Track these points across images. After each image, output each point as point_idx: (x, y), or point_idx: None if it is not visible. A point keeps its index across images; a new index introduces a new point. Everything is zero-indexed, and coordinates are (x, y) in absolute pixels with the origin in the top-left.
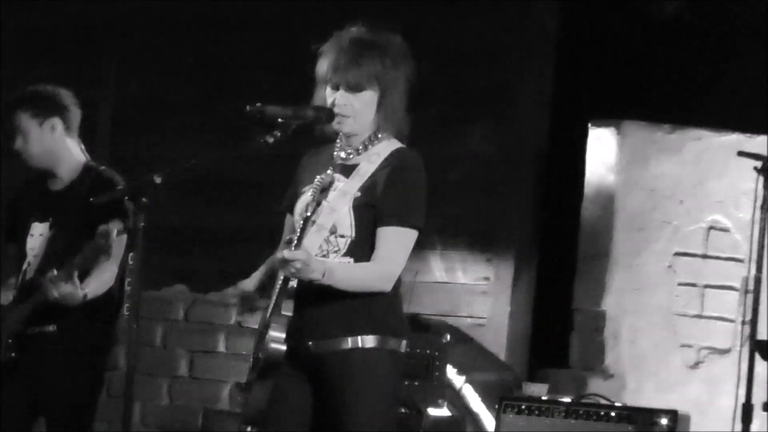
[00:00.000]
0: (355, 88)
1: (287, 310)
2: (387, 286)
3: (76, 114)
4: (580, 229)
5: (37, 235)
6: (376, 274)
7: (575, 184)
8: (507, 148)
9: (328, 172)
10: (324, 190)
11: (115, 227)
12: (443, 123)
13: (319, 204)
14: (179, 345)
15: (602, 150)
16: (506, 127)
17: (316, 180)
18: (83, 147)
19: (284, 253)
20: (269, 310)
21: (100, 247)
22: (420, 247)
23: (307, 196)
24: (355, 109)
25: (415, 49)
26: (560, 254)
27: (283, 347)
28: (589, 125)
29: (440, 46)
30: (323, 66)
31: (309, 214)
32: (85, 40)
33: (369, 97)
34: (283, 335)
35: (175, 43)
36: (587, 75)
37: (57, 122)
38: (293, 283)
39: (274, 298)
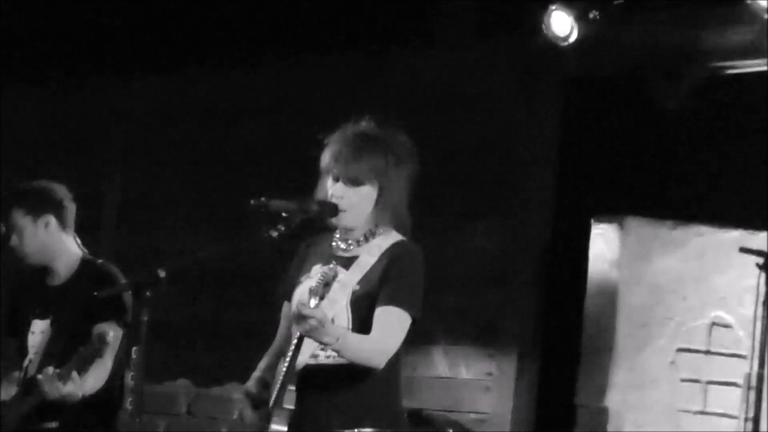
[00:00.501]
0: (354, 182)
1: (289, 402)
2: (381, 363)
3: (70, 209)
4: (583, 325)
5: (38, 332)
6: (376, 348)
7: (578, 279)
8: (510, 243)
9: (331, 266)
10: (327, 284)
11: (110, 329)
12: (447, 217)
13: (322, 298)
14: None
15: (605, 245)
16: (509, 223)
17: (319, 273)
18: (79, 241)
19: (303, 307)
20: (271, 401)
21: (96, 349)
22: (423, 342)
23: (305, 285)
24: (352, 203)
25: (420, 144)
26: (563, 349)
27: None
28: (592, 221)
29: (445, 141)
30: (326, 157)
31: (323, 282)
32: (91, 134)
33: (367, 192)
34: (285, 428)
35: (180, 136)
36: (590, 171)
37: (51, 218)
38: (299, 366)
39: (276, 388)
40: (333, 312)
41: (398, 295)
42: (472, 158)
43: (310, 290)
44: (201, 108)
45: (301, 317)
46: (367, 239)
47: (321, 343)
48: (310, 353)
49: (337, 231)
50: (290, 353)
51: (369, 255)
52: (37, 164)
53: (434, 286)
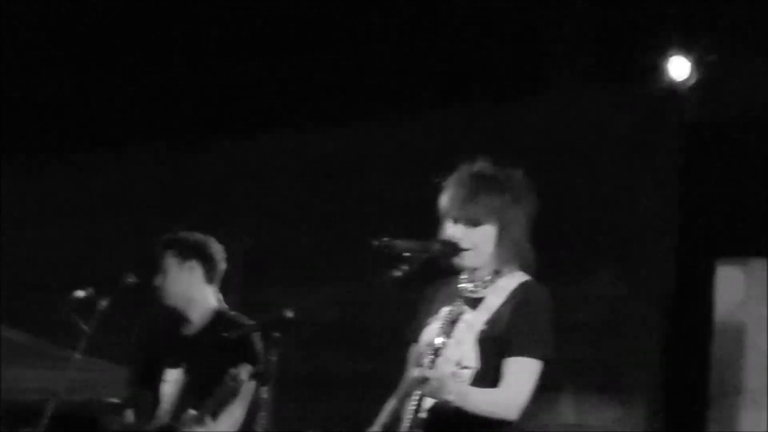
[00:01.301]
0: (473, 222)
1: None
2: (513, 415)
3: (219, 265)
4: (710, 368)
5: (172, 381)
6: (505, 401)
7: (704, 323)
8: (634, 289)
9: (456, 303)
10: (453, 322)
11: (244, 370)
12: (570, 265)
13: (448, 336)
14: None
15: (730, 288)
16: (633, 269)
17: (445, 312)
18: (221, 297)
19: (423, 370)
20: None
21: (229, 390)
22: (550, 389)
23: (433, 327)
24: (473, 243)
25: (539, 192)
26: (691, 394)
27: None
28: (716, 264)
29: (565, 189)
30: (444, 200)
31: (439, 345)
32: (216, 192)
33: (487, 232)
34: None
35: (302, 191)
36: (712, 214)
37: (196, 266)
38: (423, 415)
39: (407, 422)
40: (460, 353)
41: (529, 344)
42: (593, 205)
43: (439, 328)
44: (322, 163)
45: (420, 380)
46: (493, 280)
47: (443, 400)
48: None
49: (464, 272)
50: (410, 411)
51: (495, 296)
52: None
53: (559, 334)
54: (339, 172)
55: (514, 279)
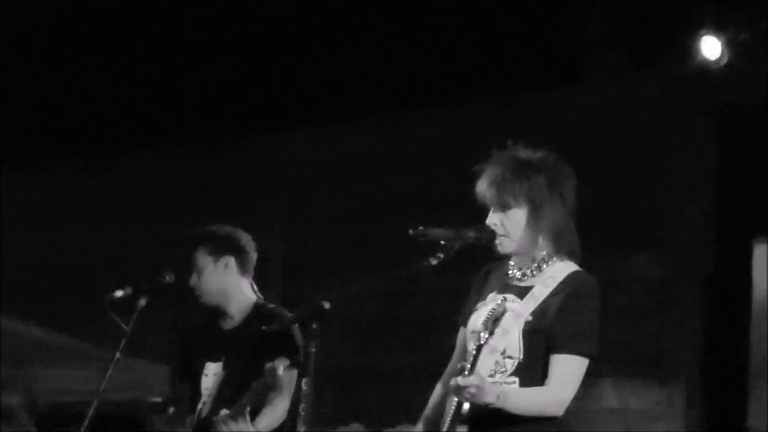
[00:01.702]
0: (502, 206)
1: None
2: (559, 412)
3: (251, 255)
4: (750, 349)
5: (211, 374)
6: (549, 399)
7: (743, 303)
8: (673, 271)
9: (500, 302)
10: (496, 320)
11: (281, 364)
12: (609, 249)
13: (492, 333)
14: None
15: None
16: (671, 251)
17: (489, 310)
18: (256, 288)
19: (458, 380)
20: None
21: (268, 384)
22: (591, 374)
23: (479, 312)
24: (505, 228)
25: (578, 178)
26: (731, 374)
27: None
28: (754, 243)
29: (602, 174)
30: (477, 186)
31: (482, 342)
32: (253, 188)
33: (518, 216)
34: None
35: (338, 185)
36: (749, 194)
37: (231, 261)
38: (466, 407)
39: (448, 421)
40: (505, 343)
41: (577, 341)
42: (631, 189)
43: (482, 323)
44: (357, 157)
45: (458, 389)
46: (540, 268)
47: (483, 404)
48: None
49: (512, 259)
50: (453, 406)
51: (544, 286)
52: (204, 220)
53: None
54: (373, 165)
55: (563, 268)
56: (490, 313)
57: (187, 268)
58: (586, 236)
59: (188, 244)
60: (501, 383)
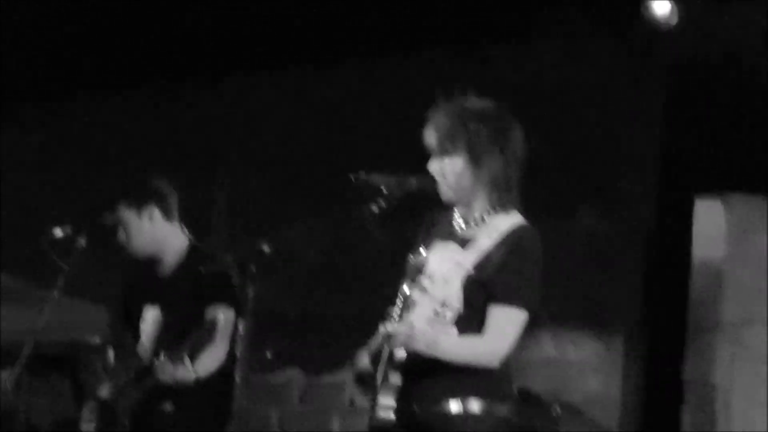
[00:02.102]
0: (444, 153)
1: (395, 379)
2: (493, 363)
3: (172, 198)
4: (689, 302)
5: (150, 319)
6: (484, 351)
7: (683, 258)
8: (615, 224)
9: (422, 253)
10: (418, 271)
11: (221, 312)
12: (552, 202)
13: (414, 282)
14: (295, 428)
15: (709, 223)
16: (614, 205)
17: (410, 260)
18: (186, 230)
19: (387, 327)
20: (379, 379)
21: (208, 332)
22: (530, 324)
23: (416, 259)
24: (444, 175)
25: (525, 131)
26: (670, 327)
27: (392, 416)
28: (696, 199)
29: (549, 128)
30: (424, 133)
31: (408, 293)
32: (195, 139)
33: (457, 165)
34: (393, 403)
35: (285, 133)
36: (693, 150)
37: (154, 210)
38: (400, 354)
39: (383, 366)
40: (445, 293)
41: (516, 293)
42: (577, 144)
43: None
44: (303, 105)
45: (387, 336)
46: (483, 219)
47: (414, 351)
48: None
49: (456, 209)
50: (386, 357)
51: (487, 238)
52: (148, 164)
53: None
54: (320, 110)
55: (506, 220)
56: (413, 264)
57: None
58: (531, 189)
59: (107, 203)
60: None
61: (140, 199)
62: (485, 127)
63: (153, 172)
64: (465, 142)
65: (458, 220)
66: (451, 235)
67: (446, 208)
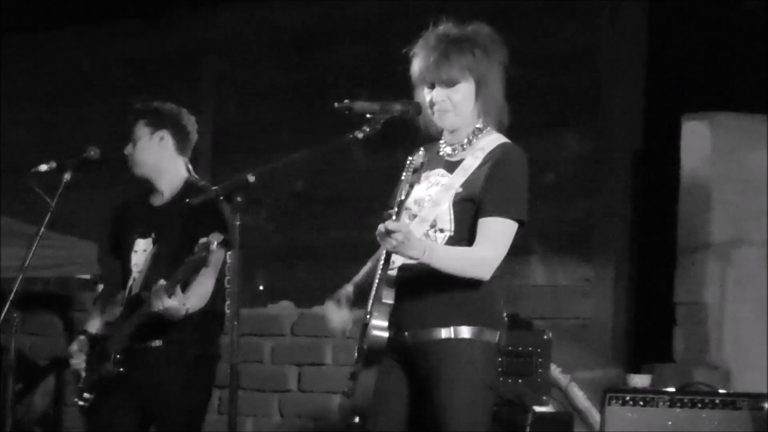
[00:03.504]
0: (449, 83)
1: (388, 298)
2: (486, 274)
3: (191, 136)
4: (678, 223)
5: (141, 251)
6: (476, 259)
7: (671, 179)
8: (602, 147)
9: (419, 153)
10: (416, 170)
11: (215, 239)
12: (538, 126)
13: (411, 186)
14: (287, 360)
15: (696, 143)
16: (600, 127)
17: (408, 162)
18: (191, 168)
19: (386, 223)
20: (370, 300)
21: (200, 259)
22: (520, 251)
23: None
24: (454, 103)
25: (508, 55)
26: (659, 249)
27: (386, 334)
28: (682, 119)
29: (531, 51)
30: (416, 66)
31: (403, 197)
32: (182, 68)
33: (465, 90)
34: (385, 323)
35: (269, 64)
36: (678, 70)
37: (167, 135)
38: (393, 272)
39: (374, 287)
40: (435, 215)
41: (503, 204)
42: (562, 66)
43: (401, 181)
44: (290, 35)
45: (385, 233)
46: (470, 142)
47: (408, 257)
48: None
49: (443, 137)
50: (380, 269)
51: (473, 157)
52: (134, 98)
53: (528, 195)
54: (305, 42)
55: (491, 140)
56: (409, 163)
57: (125, 138)
58: (517, 114)
59: (130, 116)
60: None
61: (158, 121)
62: (482, 50)
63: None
64: (471, 68)
65: (445, 149)
66: (437, 162)
67: (429, 142)
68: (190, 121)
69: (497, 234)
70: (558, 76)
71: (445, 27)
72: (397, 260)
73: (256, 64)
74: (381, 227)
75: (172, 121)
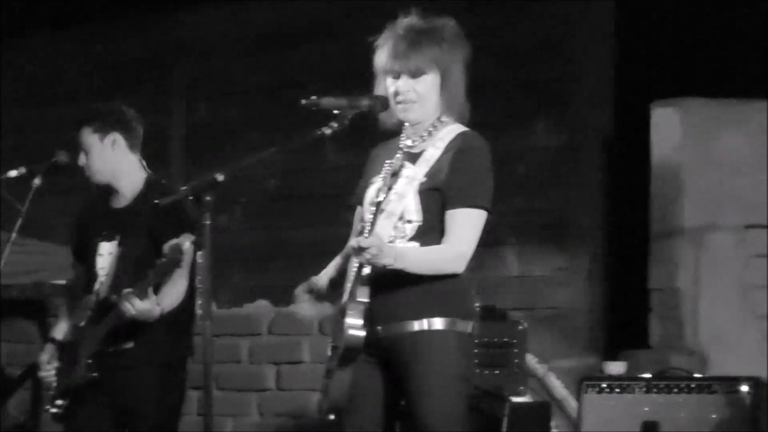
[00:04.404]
0: (416, 73)
1: (363, 296)
2: (459, 268)
3: (138, 131)
4: (650, 210)
5: (106, 254)
6: (448, 255)
7: (643, 166)
8: (573, 137)
9: (397, 156)
10: (395, 174)
11: (186, 240)
12: (508, 117)
13: (390, 189)
14: (265, 359)
15: (667, 130)
16: (570, 117)
17: (385, 166)
18: (145, 163)
19: (358, 240)
20: (345, 298)
21: (173, 261)
22: (493, 242)
23: (376, 185)
24: (419, 95)
25: (477, 46)
26: (633, 236)
27: (362, 333)
28: (652, 106)
29: (500, 42)
30: (382, 56)
31: (380, 200)
32: (152, 70)
33: (431, 81)
34: (361, 321)
35: (240, 64)
36: (646, 57)
37: (118, 137)
38: (367, 270)
39: (349, 285)
40: (402, 207)
41: (468, 193)
42: (529, 56)
43: (379, 186)
44: (260, 34)
45: (358, 250)
46: (430, 133)
47: (381, 266)
48: None
49: (404, 129)
50: (353, 274)
51: (434, 148)
52: (105, 99)
53: (500, 187)
54: (274, 41)
55: (452, 130)
56: (389, 168)
57: (76, 148)
58: (486, 104)
59: (73, 124)
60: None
61: (105, 125)
62: (448, 43)
63: (121, 102)
64: (435, 61)
65: (405, 141)
66: (400, 153)
67: (390, 135)
68: (135, 116)
69: (466, 225)
70: (528, 67)
71: (412, 18)
72: None
73: (226, 65)
74: (354, 243)
75: (119, 121)
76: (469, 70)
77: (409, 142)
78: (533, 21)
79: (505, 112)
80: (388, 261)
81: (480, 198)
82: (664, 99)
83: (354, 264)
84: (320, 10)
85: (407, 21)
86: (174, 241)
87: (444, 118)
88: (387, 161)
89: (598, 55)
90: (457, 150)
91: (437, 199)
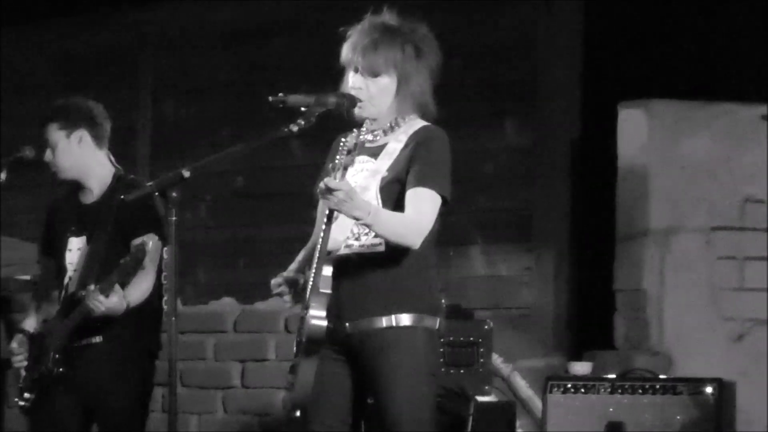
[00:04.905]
0: (370, 72)
1: (326, 288)
2: (416, 241)
3: (105, 126)
4: (616, 211)
5: (75, 249)
6: (411, 225)
7: (609, 167)
8: (539, 138)
9: (351, 134)
10: (350, 152)
11: (150, 239)
12: (475, 118)
13: (345, 168)
14: (230, 357)
15: (633, 131)
16: (537, 118)
17: (340, 146)
18: (113, 159)
19: (326, 180)
20: (308, 290)
21: (137, 260)
22: (460, 242)
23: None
24: (370, 94)
25: (444, 47)
26: (599, 237)
27: (324, 323)
28: (618, 107)
29: (467, 42)
30: (345, 49)
31: (346, 163)
32: (119, 65)
33: (386, 84)
34: (323, 312)
35: (207, 60)
36: (613, 59)
37: (85, 134)
38: (329, 267)
39: (311, 276)
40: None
41: (426, 177)
42: (496, 56)
43: (333, 165)
44: (228, 30)
45: (327, 191)
46: (392, 128)
47: (352, 217)
48: (344, 241)
49: (365, 125)
50: (322, 233)
51: (396, 141)
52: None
53: (467, 187)
54: (243, 37)
55: (413, 124)
56: (342, 150)
57: (42, 144)
58: (453, 105)
59: (39, 121)
60: (366, 245)
61: (71, 122)
62: (412, 47)
63: (88, 97)
64: (396, 63)
65: (366, 136)
66: (361, 150)
67: (352, 128)
68: (101, 111)
69: (424, 201)
70: (494, 67)
71: (384, 17)
72: (339, 239)
73: (194, 60)
74: (321, 184)
75: (85, 117)
76: (436, 75)
77: (370, 137)
78: (500, 21)
79: (471, 112)
80: (360, 213)
81: (437, 184)
82: (631, 100)
83: (317, 252)
84: (289, 5)
85: (377, 18)
86: (137, 241)
87: (406, 116)
88: (337, 156)
89: (565, 56)
90: (417, 142)
91: (398, 190)
